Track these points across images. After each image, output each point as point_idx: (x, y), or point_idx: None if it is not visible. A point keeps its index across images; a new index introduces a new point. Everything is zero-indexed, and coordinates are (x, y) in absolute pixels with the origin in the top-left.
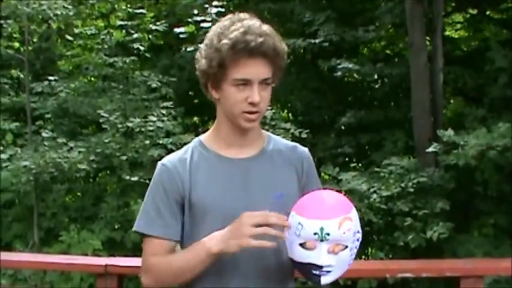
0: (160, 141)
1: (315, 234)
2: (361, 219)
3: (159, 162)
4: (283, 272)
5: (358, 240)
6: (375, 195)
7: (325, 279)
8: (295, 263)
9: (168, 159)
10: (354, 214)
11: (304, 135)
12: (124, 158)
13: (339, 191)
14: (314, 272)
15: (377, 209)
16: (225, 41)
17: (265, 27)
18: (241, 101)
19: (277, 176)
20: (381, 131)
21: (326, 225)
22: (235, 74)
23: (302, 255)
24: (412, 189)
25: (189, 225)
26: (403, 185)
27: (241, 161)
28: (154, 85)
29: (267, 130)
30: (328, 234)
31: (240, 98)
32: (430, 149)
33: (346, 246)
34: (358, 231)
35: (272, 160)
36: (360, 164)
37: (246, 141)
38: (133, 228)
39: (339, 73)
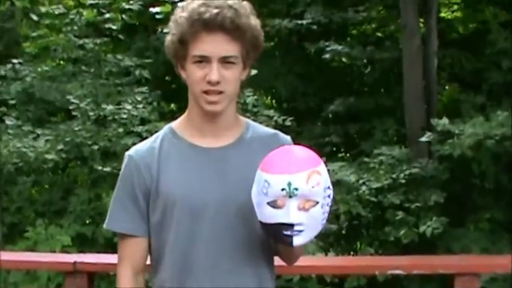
0: (135, 129)
1: (283, 190)
2: (349, 212)
3: (126, 153)
4: (256, 255)
5: (329, 196)
6: (364, 187)
7: (297, 240)
8: (265, 226)
9: (136, 149)
10: (323, 168)
11: (288, 123)
12: (96, 147)
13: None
14: (285, 232)
15: (366, 201)
16: (183, 13)
17: (233, 2)
18: (200, 79)
19: (255, 166)
20: (371, 119)
21: (293, 180)
22: (194, 51)
23: (271, 215)
24: (403, 181)
25: (157, 219)
26: (394, 176)
27: (216, 150)
28: (128, 69)
29: (248, 117)
30: (296, 189)
31: (199, 77)
32: (423, 139)
33: (317, 202)
34: (329, 187)
35: (251, 148)
36: (348, 154)
37: (219, 128)
38: (104, 226)
39: (327, 56)
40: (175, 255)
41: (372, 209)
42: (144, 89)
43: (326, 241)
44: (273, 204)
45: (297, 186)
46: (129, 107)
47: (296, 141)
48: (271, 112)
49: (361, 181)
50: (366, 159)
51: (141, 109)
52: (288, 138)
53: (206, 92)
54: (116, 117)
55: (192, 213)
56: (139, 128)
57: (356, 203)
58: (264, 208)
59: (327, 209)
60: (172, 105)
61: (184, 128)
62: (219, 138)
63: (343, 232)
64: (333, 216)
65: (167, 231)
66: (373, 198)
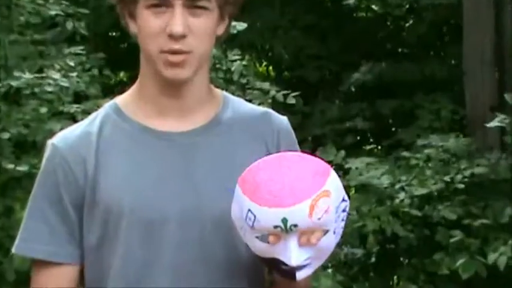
0: (65, 109)
1: (276, 227)
2: (381, 231)
3: (49, 142)
4: (237, 271)
5: (344, 211)
6: (402, 195)
7: (301, 274)
8: (260, 259)
9: (63, 136)
10: (332, 181)
11: (291, 101)
12: (5, 136)
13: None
14: (285, 267)
15: (406, 216)
16: None
17: None
18: (157, 32)
19: (238, 158)
20: (414, 95)
21: (290, 215)
22: None
23: (262, 250)
24: (462, 186)
25: (95, 238)
26: (447, 178)
27: (180, 137)
28: (54, 19)
29: (233, 93)
30: (295, 226)
31: (156, 28)
32: (493, 123)
33: (327, 231)
34: (344, 199)
35: (230, 134)
36: (379, 147)
37: (185, 105)
38: (13, 249)
39: (350, 1)
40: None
41: (415, 226)
42: (79, 49)
43: (348, 273)
44: (264, 239)
45: (295, 223)
46: (56, 75)
47: (302, 129)
48: (266, 85)
49: (398, 186)
50: (406, 154)
51: (74, 79)
52: (284, 119)
53: (166, 51)
54: (36, 90)
55: (147, 230)
56: (73, 107)
57: (391, 217)
58: (251, 240)
59: (341, 227)
60: (122, 74)
61: (134, 105)
62: (185, 120)
63: (373, 260)
64: (358, 236)
65: (110, 255)
66: (415, 211)
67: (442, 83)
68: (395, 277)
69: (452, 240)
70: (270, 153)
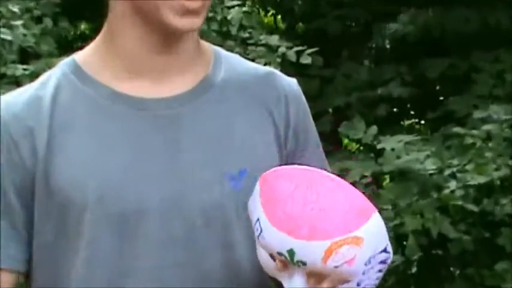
0: (8, 71)
1: (281, 255)
2: (425, 232)
3: None
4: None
5: (382, 263)
6: (453, 184)
7: None
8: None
9: (5, 103)
10: (369, 228)
11: (307, 60)
12: None
13: (372, 182)
14: None
15: (458, 212)
16: None
17: None
18: None
19: (236, 132)
20: (470, 53)
21: (300, 249)
22: None
23: (267, 267)
24: None
25: (49, 236)
26: None
27: (160, 105)
28: None
29: (231, 49)
30: (303, 264)
31: None
32: None
33: (348, 281)
34: (385, 250)
35: (225, 102)
36: (422, 121)
37: (175, 62)
38: None
39: None
40: None
41: (470, 226)
42: None
43: (381, 286)
44: (271, 257)
45: (304, 260)
46: None
47: (320, 97)
48: (274, 39)
49: (447, 172)
50: (458, 130)
51: (20, 31)
52: (294, 83)
53: None
54: None
55: (119, 226)
56: (18, 69)
57: (438, 214)
58: (258, 248)
59: (374, 277)
60: (84, 26)
61: (99, 62)
62: (166, 83)
63: (414, 270)
64: (393, 238)
65: (71, 258)
66: (471, 206)
67: (509, 36)
68: None
69: None
70: (277, 126)
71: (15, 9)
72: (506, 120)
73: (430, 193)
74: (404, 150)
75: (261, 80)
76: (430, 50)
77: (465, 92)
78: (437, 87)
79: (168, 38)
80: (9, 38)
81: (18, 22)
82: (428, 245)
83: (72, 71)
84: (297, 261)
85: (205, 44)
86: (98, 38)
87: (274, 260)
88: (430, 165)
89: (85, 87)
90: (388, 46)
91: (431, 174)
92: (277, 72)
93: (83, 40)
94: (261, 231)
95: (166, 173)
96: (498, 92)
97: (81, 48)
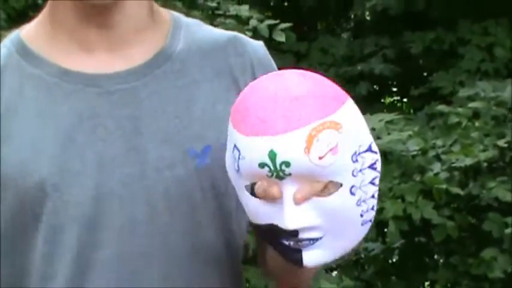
0: None
1: (263, 166)
2: (406, 218)
3: None
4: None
5: (372, 168)
6: (437, 166)
7: (310, 256)
8: (258, 229)
9: None
10: (347, 113)
11: (280, 37)
12: None
13: None
14: (285, 242)
15: (443, 195)
16: None
17: None
18: None
19: (198, 106)
20: (456, 25)
21: (280, 146)
22: None
23: (255, 210)
24: None
25: (4, 230)
26: (503, 143)
27: (114, 80)
28: None
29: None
30: (287, 165)
31: None
32: None
33: (340, 185)
34: (371, 149)
35: (185, 73)
36: (404, 99)
37: (118, 34)
38: None
39: None
40: None
41: (455, 211)
42: None
43: (360, 276)
44: (253, 192)
45: (287, 159)
46: None
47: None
48: (244, 10)
49: (431, 153)
50: (443, 108)
51: None
52: (260, 47)
53: None
54: None
55: (75, 216)
56: None
57: (421, 198)
58: (243, 197)
59: (369, 192)
60: None
61: (46, 38)
62: (119, 56)
63: (395, 258)
64: (373, 224)
65: (29, 250)
66: (456, 190)
67: (498, 6)
68: (426, 282)
69: (508, 230)
70: None
71: None
72: (494, 98)
73: (412, 176)
74: (386, 129)
75: (224, 47)
76: (413, 22)
77: (451, 68)
78: (421, 62)
79: (98, 11)
80: None
81: None
82: (410, 232)
83: (17, 50)
84: (281, 165)
85: (164, 12)
86: (42, 12)
87: (256, 197)
88: (413, 146)
89: (31, 66)
90: (368, 18)
91: (414, 156)
92: (242, 36)
93: (35, 11)
94: (239, 154)
95: (124, 153)
96: (487, 67)
97: (32, 19)
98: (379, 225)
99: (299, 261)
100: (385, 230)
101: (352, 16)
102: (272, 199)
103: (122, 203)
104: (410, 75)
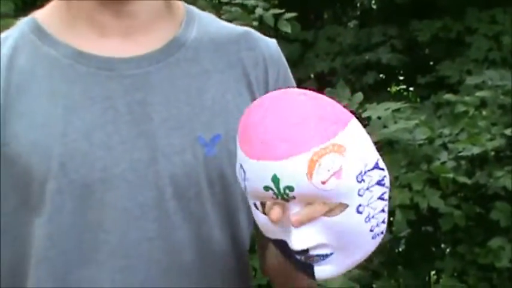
0: None
1: (267, 189)
2: (413, 207)
3: None
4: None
5: (380, 184)
6: (444, 155)
7: (320, 271)
8: (270, 240)
9: None
10: (349, 135)
11: (285, 26)
12: None
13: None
14: (297, 256)
15: (450, 184)
16: None
17: None
18: None
19: (208, 94)
20: (464, 14)
21: (283, 172)
22: None
23: (265, 226)
24: None
25: (9, 208)
26: (510, 132)
27: (127, 64)
28: None
29: (202, 9)
30: (290, 189)
31: None
32: None
33: (346, 206)
34: (377, 166)
35: (197, 61)
36: (411, 87)
37: (134, 21)
38: None
39: None
40: (49, 277)
41: (463, 200)
42: None
43: (367, 266)
44: (262, 209)
45: (290, 184)
46: None
47: (302, 63)
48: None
49: (438, 142)
50: (450, 97)
51: None
52: (272, 43)
53: None
54: None
55: (84, 196)
56: None
57: (427, 187)
58: (253, 210)
59: (378, 207)
60: None
61: (61, 21)
62: (133, 42)
63: (402, 248)
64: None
65: (31, 231)
66: (463, 179)
67: None
68: (433, 272)
69: None
70: (252, 88)
71: None
72: (502, 87)
73: (419, 165)
74: (392, 118)
75: (237, 41)
76: (420, 10)
77: (458, 56)
78: (428, 51)
79: None
80: None
81: None
82: (417, 221)
83: (32, 30)
84: (284, 189)
85: (177, 3)
86: None
87: (265, 214)
88: (420, 135)
89: (46, 46)
90: (374, 7)
91: (420, 145)
92: (255, 32)
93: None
94: (245, 174)
95: (134, 137)
96: (494, 56)
97: (41, 7)
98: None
99: (311, 275)
100: (392, 219)
101: (359, 5)
102: (276, 221)
103: (129, 187)
104: (417, 64)
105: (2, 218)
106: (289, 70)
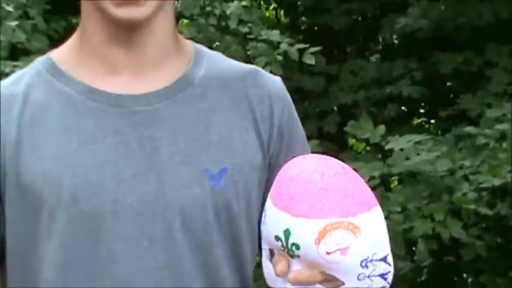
0: None
1: (277, 239)
2: (435, 237)
3: None
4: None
5: (383, 277)
6: (466, 186)
7: None
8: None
9: None
10: (368, 221)
11: (310, 60)
12: None
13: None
14: None
15: (472, 215)
16: None
17: None
18: None
19: (215, 130)
20: (484, 48)
21: (295, 228)
22: None
23: (272, 276)
24: None
25: (20, 237)
26: None
27: (137, 101)
28: None
29: (229, 45)
30: (297, 247)
31: None
32: None
33: (342, 283)
34: (385, 260)
35: (205, 99)
36: (433, 120)
37: (143, 58)
38: None
39: None
40: None
41: (484, 231)
42: None
43: None
44: (270, 258)
45: (297, 242)
46: None
47: (326, 96)
48: (275, 35)
49: (460, 174)
50: (471, 130)
51: (10, 27)
52: (278, 81)
53: None
54: None
55: (94, 226)
56: (8, 65)
57: (449, 217)
58: (263, 255)
59: None
60: (75, 21)
61: (75, 59)
62: (143, 79)
63: (424, 277)
64: (403, 243)
65: (41, 259)
66: (485, 210)
67: None
68: None
69: None
70: (257, 124)
71: (10, 8)
72: None
73: (441, 196)
74: (414, 150)
75: (243, 78)
76: (441, 44)
77: (479, 90)
78: (449, 84)
79: (127, 30)
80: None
81: (13, 23)
82: (439, 251)
83: (48, 69)
84: (292, 245)
85: (186, 42)
86: (73, 36)
87: (272, 262)
88: (442, 167)
89: (60, 83)
90: (396, 41)
91: (442, 176)
92: (261, 70)
93: (69, 32)
94: (265, 217)
95: (144, 171)
96: None
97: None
98: (408, 244)
99: None
100: (414, 248)
101: (381, 39)
102: (280, 273)
103: (139, 219)
104: (438, 97)
105: (13, 245)
106: (293, 107)
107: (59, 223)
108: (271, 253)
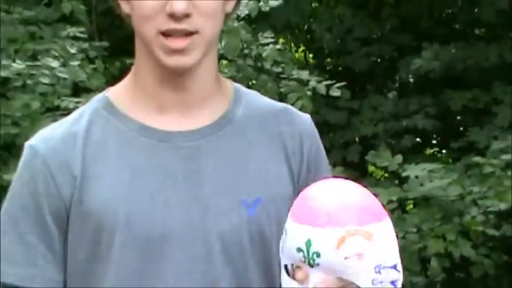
0: (62, 103)
1: (299, 251)
2: (447, 255)
3: (27, 144)
4: None
5: (393, 283)
6: (474, 210)
7: None
8: None
9: (43, 138)
10: (380, 230)
11: (336, 93)
12: None
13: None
14: None
15: (480, 235)
16: None
17: None
18: (155, 11)
19: (252, 164)
20: (490, 86)
21: (316, 237)
22: None
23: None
24: None
25: (83, 255)
26: None
27: (183, 138)
28: None
29: (264, 83)
30: (318, 255)
31: (154, 7)
32: None
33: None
34: (395, 267)
35: (243, 135)
36: (444, 150)
37: (190, 99)
38: None
39: None
40: None
41: (491, 250)
42: (79, 31)
43: None
44: (289, 272)
45: (319, 250)
46: (54, 64)
47: (349, 128)
48: (305, 74)
49: (469, 198)
50: (479, 159)
51: (73, 67)
52: (308, 119)
53: (166, 34)
54: (29, 81)
55: (145, 248)
56: (71, 101)
57: (460, 238)
58: (282, 272)
59: None
60: (129, 61)
61: (129, 98)
62: (188, 118)
63: None
64: (417, 260)
65: (100, 278)
66: (492, 231)
67: None
68: None
69: None
70: (290, 160)
71: (73, 50)
72: None
73: (452, 218)
74: (428, 177)
75: (277, 116)
76: (451, 83)
77: (486, 124)
78: (459, 119)
79: (175, 74)
80: (65, 76)
81: (75, 62)
82: (451, 268)
83: (104, 107)
84: (313, 254)
85: (227, 81)
86: (128, 75)
87: (290, 277)
88: (452, 192)
89: (116, 121)
90: (411, 80)
91: (453, 201)
92: (292, 108)
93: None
94: (286, 235)
95: (188, 200)
96: None
97: None
98: (423, 262)
99: None
100: (428, 265)
101: (398, 78)
102: (299, 281)
103: (183, 241)
104: (450, 130)
105: (75, 265)
106: (320, 142)
107: (116, 246)
108: (291, 267)
